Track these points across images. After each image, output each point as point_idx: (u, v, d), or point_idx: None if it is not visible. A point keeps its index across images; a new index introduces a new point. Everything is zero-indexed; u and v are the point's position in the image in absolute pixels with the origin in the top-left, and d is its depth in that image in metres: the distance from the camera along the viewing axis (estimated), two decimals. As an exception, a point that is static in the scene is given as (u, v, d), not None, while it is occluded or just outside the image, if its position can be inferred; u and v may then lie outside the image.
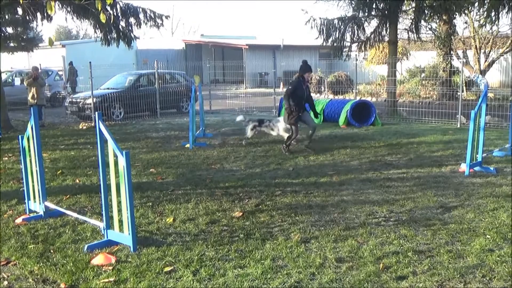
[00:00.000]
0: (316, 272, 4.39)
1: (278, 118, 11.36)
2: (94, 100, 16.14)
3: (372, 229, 5.44)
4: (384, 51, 24.72)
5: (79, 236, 5.46)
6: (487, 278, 4.20)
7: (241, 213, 6.13)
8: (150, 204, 6.63)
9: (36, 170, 6.09)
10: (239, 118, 12.08)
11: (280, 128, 10.82)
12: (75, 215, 6.00)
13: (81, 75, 22.48)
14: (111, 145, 5.07)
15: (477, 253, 4.72)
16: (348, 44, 17.91)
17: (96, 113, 5.26)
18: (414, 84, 23.44)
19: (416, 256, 4.69)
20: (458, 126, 13.74)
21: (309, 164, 8.99)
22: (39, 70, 16.33)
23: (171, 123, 15.78)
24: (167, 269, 4.54)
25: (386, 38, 17.44)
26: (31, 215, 6.21)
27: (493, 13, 14.80)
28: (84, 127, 15.36)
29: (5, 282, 4.39)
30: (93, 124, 15.46)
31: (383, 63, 26.67)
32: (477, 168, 8.09)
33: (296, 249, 4.93)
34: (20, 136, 6.37)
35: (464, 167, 8.06)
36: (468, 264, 4.49)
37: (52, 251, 5.06)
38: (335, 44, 17.53)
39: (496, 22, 17.23)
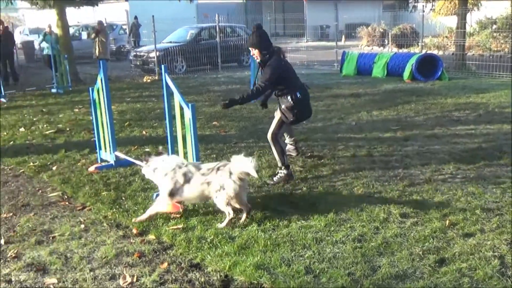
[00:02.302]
0: (380, 227, 4.39)
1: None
2: (157, 53, 16.40)
3: (438, 186, 5.35)
4: (454, 1, 23.51)
5: (148, 185, 5.67)
6: (560, 239, 4.06)
7: (303, 167, 6.16)
8: (214, 156, 6.77)
9: (106, 122, 6.34)
10: None
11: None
12: (143, 164, 6.23)
13: (144, 29, 22.79)
14: (177, 97, 5.18)
15: (550, 212, 4.56)
16: (416, -6, 17.14)
17: (162, 66, 5.36)
18: (485, 36, 22.22)
19: (484, 214, 4.58)
20: (532, 81, 13.01)
21: (372, 119, 8.84)
22: (104, 25, 16.68)
23: (232, 77, 15.85)
24: (233, 218, 4.67)
25: (457, -13, 16.54)
26: (103, 164, 6.51)
27: None
28: (148, 81, 15.70)
29: (82, 226, 4.67)
30: (156, 78, 15.78)
31: (451, 14, 25.41)
32: (552, 126, 7.70)
33: (360, 203, 4.93)
34: (90, 89, 6.62)
35: (537, 124, 7.69)
36: (539, 223, 4.35)
37: (123, 198, 5.31)
38: (401, -5, 16.83)
39: None
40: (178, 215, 4.78)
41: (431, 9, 24.87)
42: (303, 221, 4.56)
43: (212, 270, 3.76)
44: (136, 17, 24.29)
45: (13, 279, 3.76)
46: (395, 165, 6.15)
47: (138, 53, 17.88)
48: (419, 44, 17.50)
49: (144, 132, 8.38)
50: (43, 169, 6.52)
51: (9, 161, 6.95)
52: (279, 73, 5.59)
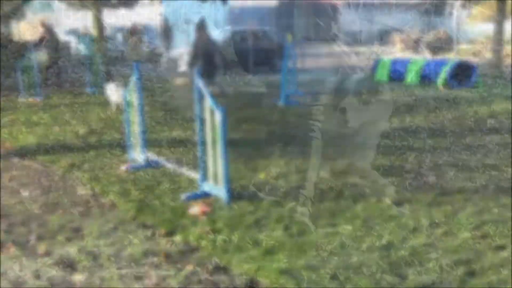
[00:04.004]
0: (409, 236, 4.32)
1: None
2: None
3: (470, 196, 5.23)
4: (491, 7, 22.99)
5: (177, 186, 5.73)
6: None
7: (331, 173, 6.11)
8: (243, 159, 6.78)
9: (138, 122, 6.43)
10: None
11: None
12: (173, 166, 6.29)
13: (178, 31, 23.00)
14: (208, 100, 5.21)
15: None
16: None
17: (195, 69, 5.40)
18: (523, 44, 21.69)
19: (518, 226, 4.46)
20: None
21: (404, 126, 8.71)
22: (139, 27, 16.92)
23: (263, 80, 15.83)
24: (260, 222, 4.66)
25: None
26: (133, 164, 6.60)
27: None
28: (180, 83, 15.82)
29: (110, 224, 4.74)
30: (188, 80, 15.88)
31: (488, 21, 24.89)
32: None
33: (388, 211, 4.86)
34: (123, 90, 6.72)
35: None
36: None
37: (152, 198, 5.37)
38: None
39: None
40: (205, 218, 4.80)
41: (467, 16, 24.43)
42: (330, 228, 4.52)
43: (237, 274, 3.77)
44: (166, 19, 24.54)
45: (42, 275, 3.84)
46: (426, 173, 6.05)
47: (170, 56, 18.07)
48: (454, 50, 17.18)
49: (174, 134, 8.45)
50: (75, 167, 6.66)
51: (42, 159, 7.11)
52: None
